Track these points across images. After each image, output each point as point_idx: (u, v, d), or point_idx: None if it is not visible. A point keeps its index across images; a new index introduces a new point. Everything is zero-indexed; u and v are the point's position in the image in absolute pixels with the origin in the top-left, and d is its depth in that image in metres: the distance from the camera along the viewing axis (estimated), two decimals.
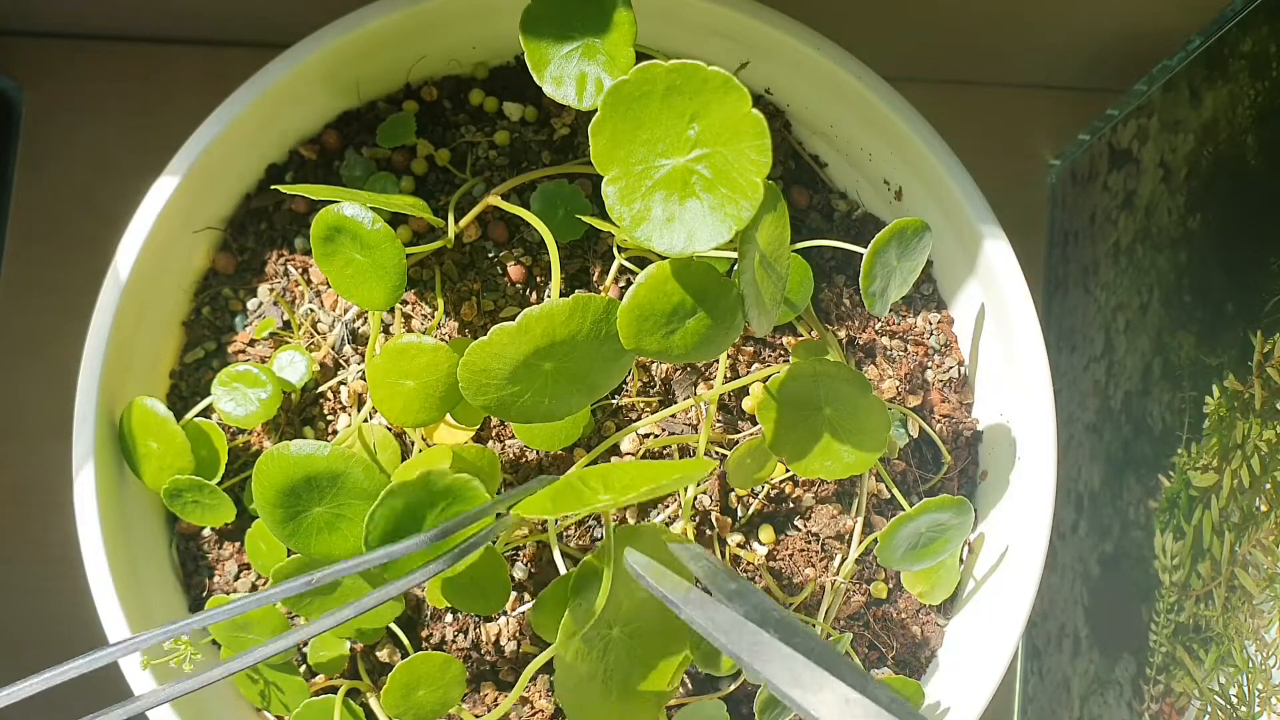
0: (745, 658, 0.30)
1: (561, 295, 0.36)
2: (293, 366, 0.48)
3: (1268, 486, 0.45)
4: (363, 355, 0.50)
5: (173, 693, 0.31)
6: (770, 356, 0.50)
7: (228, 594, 0.50)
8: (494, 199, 0.46)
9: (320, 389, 0.50)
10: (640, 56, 0.37)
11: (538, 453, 0.49)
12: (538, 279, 0.50)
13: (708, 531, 0.49)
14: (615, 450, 0.49)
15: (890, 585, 0.50)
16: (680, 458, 0.49)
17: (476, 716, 0.48)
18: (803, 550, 0.49)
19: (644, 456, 0.49)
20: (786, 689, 0.29)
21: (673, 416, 0.49)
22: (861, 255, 0.42)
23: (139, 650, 0.32)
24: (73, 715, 0.33)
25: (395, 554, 0.35)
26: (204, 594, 0.50)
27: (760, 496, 0.49)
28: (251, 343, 0.51)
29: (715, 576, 0.36)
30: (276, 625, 0.45)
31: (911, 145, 0.49)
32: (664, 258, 0.35)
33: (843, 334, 0.51)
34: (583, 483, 0.35)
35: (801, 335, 0.50)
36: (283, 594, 0.34)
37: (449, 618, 0.48)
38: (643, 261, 0.47)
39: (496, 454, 0.49)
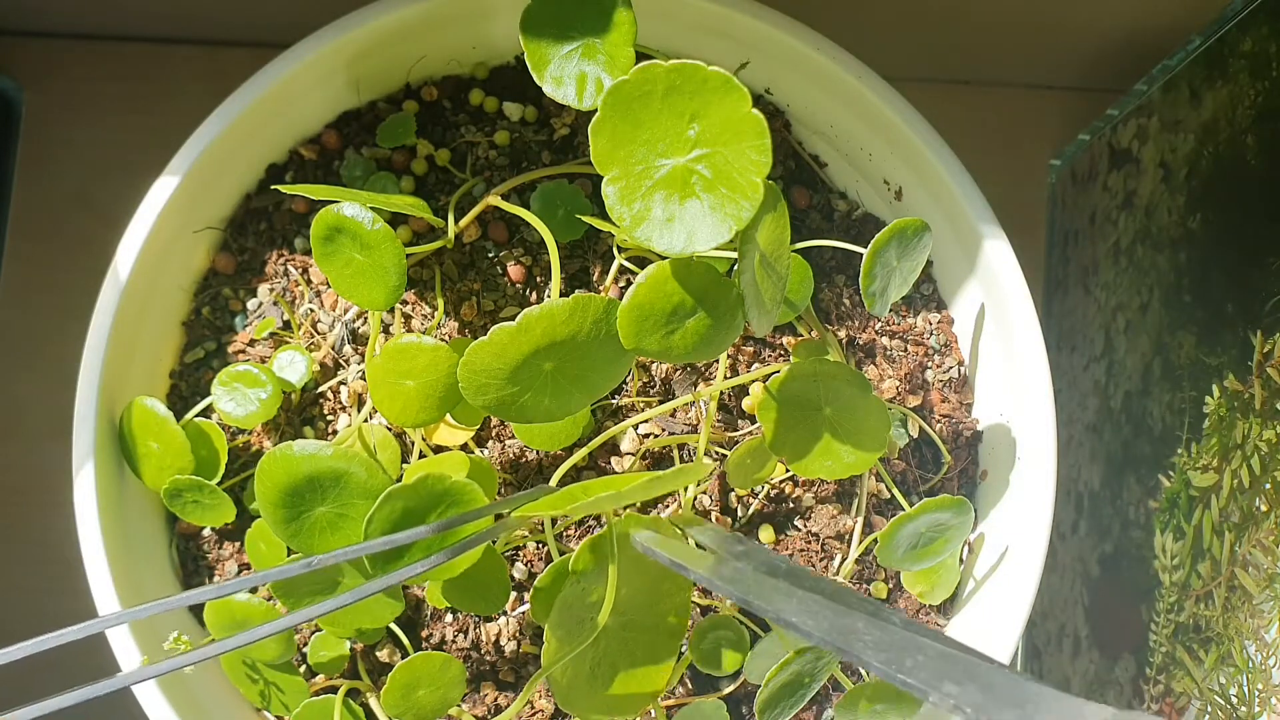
0: (754, 600, 0.31)
1: (561, 295, 0.36)
2: (293, 366, 0.49)
3: (1268, 486, 0.45)
4: (363, 355, 0.50)
5: (158, 670, 0.31)
6: (770, 356, 0.50)
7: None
8: (494, 199, 0.46)
9: (320, 389, 0.50)
10: (640, 56, 0.37)
11: (538, 453, 0.49)
12: (538, 279, 0.50)
13: None
14: (615, 450, 0.49)
15: (890, 585, 0.50)
16: (680, 458, 0.49)
17: (477, 717, 0.48)
18: (803, 550, 0.49)
19: (644, 456, 0.49)
20: (798, 620, 0.30)
21: (672, 415, 0.49)
22: (861, 255, 0.42)
23: (126, 622, 0.32)
24: (71, 711, 0.33)
25: (397, 541, 0.34)
26: None
27: (760, 496, 0.49)
28: (251, 343, 0.51)
29: (723, 541, 0.37)
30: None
31: (911, 145, 0.49)
32: (664, 258, 0.35)
33: (843, 334, 0.51)
34: (585, 491, 0.36)
35: (801, 335, 0.50)
36: (280, 575, 0.34)
37: (449, 618, 0.48)
38: (643, 261, 0.47)
39: (492, 461, 0.49)
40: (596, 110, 0.34)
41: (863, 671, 0.49)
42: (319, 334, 0.50)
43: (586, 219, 0.45)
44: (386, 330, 0.50)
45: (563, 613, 0.37)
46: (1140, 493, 0.56)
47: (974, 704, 0.27)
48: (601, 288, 0.49)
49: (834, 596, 0.32)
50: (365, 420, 0.47)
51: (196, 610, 0.50)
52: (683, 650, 0.47)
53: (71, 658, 0.33)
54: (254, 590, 0.50)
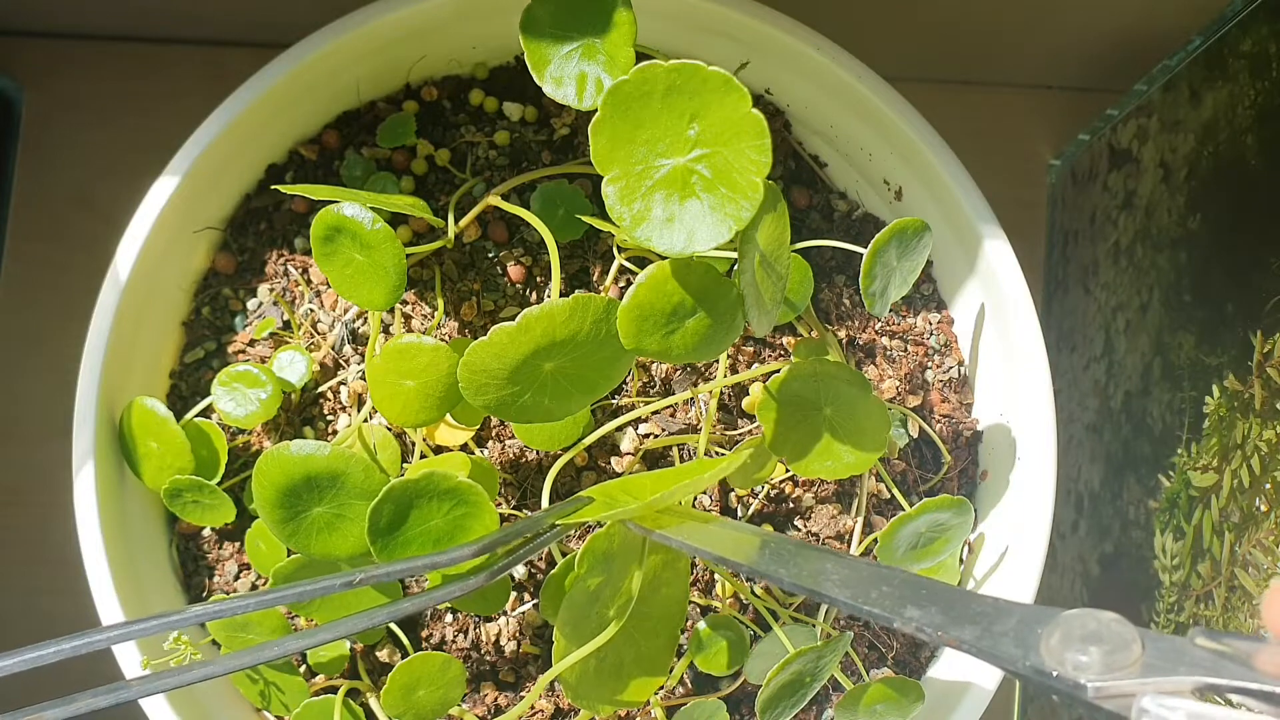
0: (730, 556, 0.33)
1: (561, 295, 0.36)
2: (293, 366, 0.49)
3: (1268, 486, 0.45)
4: (363, 355, 0.50)
5: (166, 684, 0.31)
6: (770, 356, 0.50)
7: (228, 594, 0.50)
8: (494, 199, 0.46)
9: (320, 389, 0.50)
10: (640, 56, 0.37)
11: (538, 452, 0.49)
12: (538, 279, 0.50)
13: None
14: (615, 450, 0.49)
15: None
16: (680, 458, 0.49)
17: (477, 717, 0.48)
18: None
19: (643, 457, 0.49)
20: (770, 569, 0.32)
21: (672, 415, 0.49)
22: (861, 255, 0.42)
23: (132, 638, 0.32)
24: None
25: (439, 564, 0.34)
26: (204, 594, 0.50)
27: (760, 496, 0.49)
28: (251, 343, 0.51)
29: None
30: (276, 625, 0.45)
31: (911, 145, 0.49)
32: (664, 258, 0.35)
33: (843, 334, 0.51)
34: (624, 491, 0.36)
35: (801, 335, 0.50)
36: (322, 592, 0.34)
37: (449, 618, 0.48)
38: (643, 261, 0.47)
39: (492, 461, 0.49)
40: (596, 110, 0.34)
41: (863, 672, 0.49)
42: (319, 334, 0.50)
43: (586, 219, 0.45)
44: (386, 330, 0.50)
45: (570, 611, 0.37)
46: (1140, 493, 0.56)
47: (934, 624, 0.28)
48: (601, 288, 0.49)
49: (801, 547, 0.33)
50: (365, 420, 0.47)
51: None
52: (682, 650, 0.47)
53: (72, 662, 0.33)
54: (254, 590, 0.50)
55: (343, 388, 0.50)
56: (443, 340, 0.41)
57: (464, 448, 0.48)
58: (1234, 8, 0.51)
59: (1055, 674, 0.26)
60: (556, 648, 0.37)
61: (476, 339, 0.36)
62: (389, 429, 0.48)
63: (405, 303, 0.50)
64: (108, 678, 0.45)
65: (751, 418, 0.50)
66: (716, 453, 0.49)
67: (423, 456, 0.47)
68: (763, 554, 0.33)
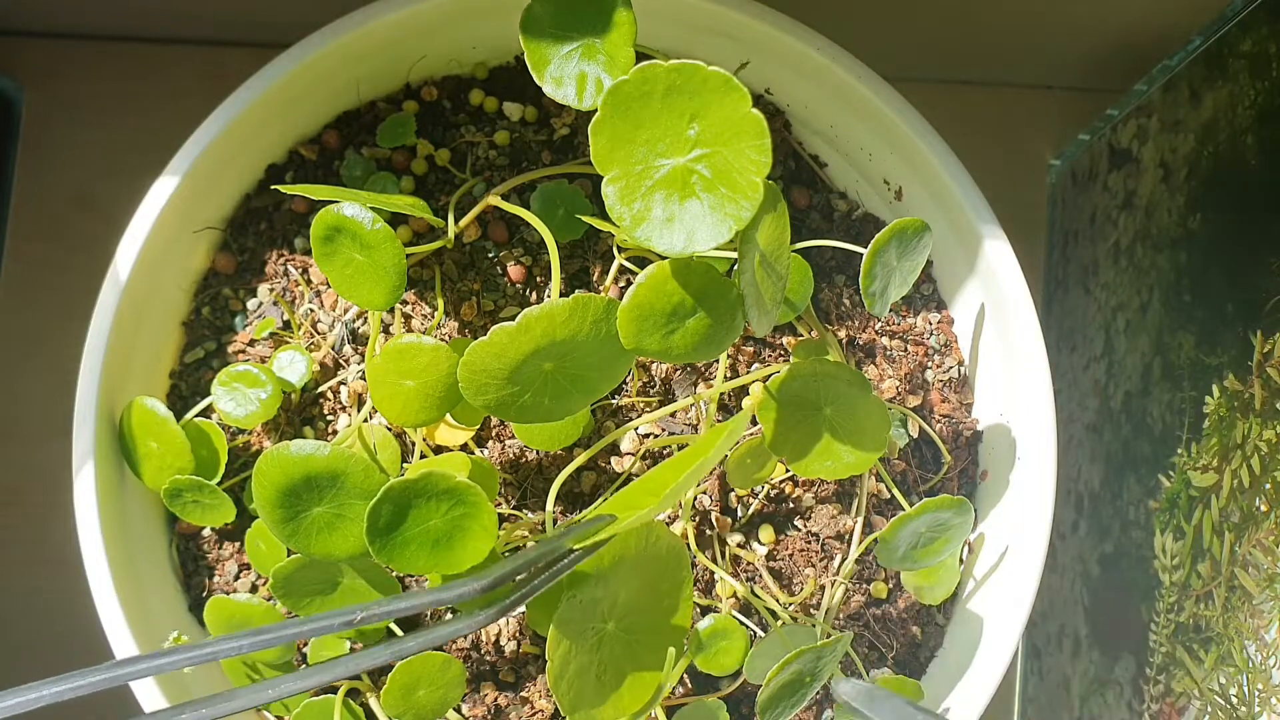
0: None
1: (561, 295, 0.36)
2: (293, 366, 0.49)
3: (1268, 486, 0.45)
4: (363, 355, 0.50)
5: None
6: (770, 356, 0.50)
7: (228, 594, 0.50)
8: (494, 199, 0.46)
9: (320, 389, 0.50)
10: (640, 56, 0.37)
11: (538, 452, 0.49)
12: (538, 279, 0.50)
13: (708, 531, 0.49)
14: (615, 450, 0.49)
15: (890, 585, 0.50)
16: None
17: (477, 717, 0.48)
18: (803, 550, 0.49)
19: (644, 457, 0.49)
20: None
21: (672, 416, 0.49)
22: (861, 255, 0.42)
23: (150, 675, 0.33)
24: (73, 714, 0.33)
25: (444, 601, 0.34)
26: (204, 594, 0.50)
27: (760, 496, 0.49)
28: (251, 343, 0.51)
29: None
30: None
31: (911, 145, 0.49)
32: (664, 258, 0.35)
33: (843, 334, 0.51)
34: (641, 491, 0.36)
35: (801, 335, 0.50)
36: (323, 630, 0.33)
37: (449, 618, 0.48)
38: (643, 261, 0.47)
39: (492, 461, 0.49)
40: (596, 110, 0.34)
41: (863, 671, 0.49)
42: (319, 334, 0.50)
43: (586, 219, 0.45)
44: (386, 330, 0.50)
45: (563, 628, 0.36)
46: (1140, 493, 0.56)
47: None
48: (601, 288, 0.49)
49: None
50: (365, 420, 0.47)
51: (195, 605, 0.50)
52: (683, 650, 0.47)
53: (71, 662, 0.33)
54: (254, 590, 0.50)
55: (343, 388, 0.50)
56: (443, 340, 0.41)
57: (464, 448, 0.48)
58: (1234, 8, 0.51)
59: None
60: (551, 664, 0.37)
61: (476, 339, 0.36)
62: (389, 429, 0.48)
63: (405, 303, 0.50)
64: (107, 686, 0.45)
65: (752, 418, 0.50)
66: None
67: (423, 456, 0.47)
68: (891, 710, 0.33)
